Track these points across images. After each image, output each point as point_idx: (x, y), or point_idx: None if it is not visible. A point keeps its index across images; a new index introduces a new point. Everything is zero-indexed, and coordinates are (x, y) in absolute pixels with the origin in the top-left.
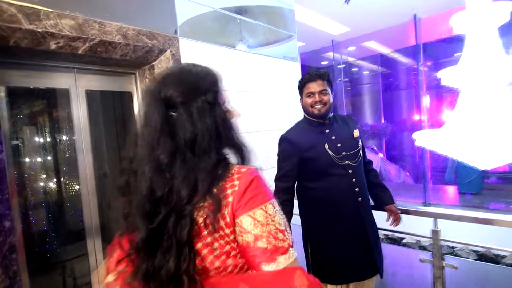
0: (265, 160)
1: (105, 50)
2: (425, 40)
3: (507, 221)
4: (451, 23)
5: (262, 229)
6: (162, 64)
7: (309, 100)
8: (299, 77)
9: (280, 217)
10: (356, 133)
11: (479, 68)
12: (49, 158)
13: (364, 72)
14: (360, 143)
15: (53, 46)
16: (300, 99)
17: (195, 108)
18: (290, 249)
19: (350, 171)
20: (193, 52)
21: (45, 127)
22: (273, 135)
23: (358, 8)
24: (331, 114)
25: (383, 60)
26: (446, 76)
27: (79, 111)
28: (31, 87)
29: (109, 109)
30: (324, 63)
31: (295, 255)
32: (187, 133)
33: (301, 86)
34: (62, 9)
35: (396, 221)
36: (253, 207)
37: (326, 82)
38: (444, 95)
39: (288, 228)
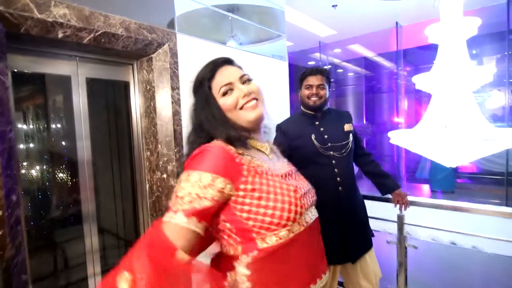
0: None
1: (108, 41)
2: (405, 47)
3: (460, 207)
4: (426, 32)
5: (176, 186)
6: (160, 57)
7: (306, 92)
8: (287, 75)
9: (183, 186)
10: (348, 127)
11: (448, 75)
12: (47, 140)
13: (349, 74)
14: (351, 137)
15: (60, 35)
16: (299, 90)
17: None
18: (170, 212)
19: (333, 161)
20: (188, 47)
21: (46, 111)
22: None
23: (344, 13)
24: (325, 108)
25: (366, 63)
26: (420, 81)
27: (79, 98)
28: (36, 72)
29: (107, 97)
30: (311, 63)
31: (170, 218)
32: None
33: (302, 78)
34: (71, 0)
35: (404, 205)
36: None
37: (325, 78)
38: (422, 99)
39: (185, 198)
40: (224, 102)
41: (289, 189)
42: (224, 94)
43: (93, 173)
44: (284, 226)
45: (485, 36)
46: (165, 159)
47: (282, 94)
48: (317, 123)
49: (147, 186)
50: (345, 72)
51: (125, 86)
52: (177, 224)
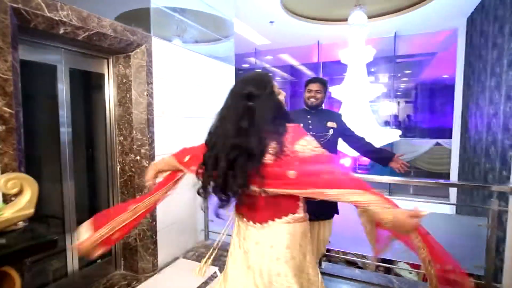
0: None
1: (98, 39)
2: (324, 60)
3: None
4: (339, 55)
5: None
6: (138, 55)
7: (307, 94)
8: (232, 76)
9: None
10: (331, 124)
11: (353, 88)
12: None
13: (277, 78)
14: (331, 131)
15: (61, 31)
16: (304, 91)
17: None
18: None
19: None
20: (161, 49)
21: (39, 97)
22: (207, 122)
23: (279, 28)
24: (320, 107)
25: (292, 70)
26: (334, 91)
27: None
28: (35, 61)
29: (85, 86)
30: (245, 65)
31: None
32: (263, 114)
33: (306, 84)
34: (72, 3)
35: (402, 167)
36: None
37: (322, 85)
38: (334, 104)
39: None
40: None
41: None
42: None
43: (73, 152)
44: None
45: (380, 59)
46: (139, 143)
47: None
48: (308, 116)
49: (118, 167)
50: (274, 76)
51: (101, 77)
52: None
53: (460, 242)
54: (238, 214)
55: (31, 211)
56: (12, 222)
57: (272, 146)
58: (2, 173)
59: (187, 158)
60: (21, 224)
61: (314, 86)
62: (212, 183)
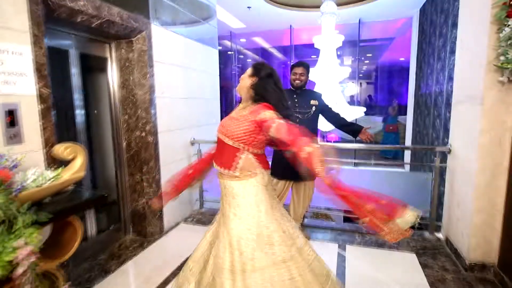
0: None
1: (108, 26)
2: (296, 43)
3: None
4: (313, 40)
5: None
6: (140, 41)
7: (293, 77)
8: (217, 60)
9: None
10: (313, 102)
11: (325, 70)
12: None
13: (248, 60)
14: (314, 108)
15: (79, 19)
16: (290, 74)
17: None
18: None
19: (297, 120)
20: (159, 34)
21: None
22: (197, 102)
23: (255, 13)
24: (304, 88)
25: (263, 52)
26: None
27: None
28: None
29: (92, 70)
30: (219, 48)
31: None
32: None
33: (291, 68)
34: None
35: (369, 138)
36: None
37: (305, 69)
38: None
39: None
40: None
41: None
42: None
43: (86, 132)
44: None
45: (345, 43)
46: (144, 121)
47: (213, 75)
48: (295, 96)
49: (125, 143)
50: (245, 58)
51: (105, 61)
52: None
53: (412, 192)
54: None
55: (82, 173)
56: (70, 182)
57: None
58: (46, 145)
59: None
60: (70, 187)
61: (298, 70)
62: None
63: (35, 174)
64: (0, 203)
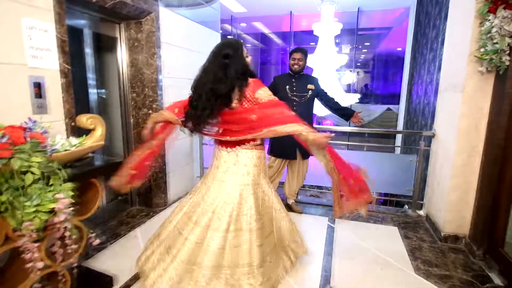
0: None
1: (120, 7)
2: (295, 29)
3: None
4: (312, 27)
5: None
6: (148, 22)
7: (292, 61)
8: (216, 40)
9: None
10: (310, 86)
11: (323, 57)
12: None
13: (248, 45)
14: (310, 92)
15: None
16: (289, 59)
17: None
18: None
19: (294, 103)
20: (166, 16)
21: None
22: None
23: None
24: (302, 73)
25: (263, 37)
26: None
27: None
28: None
29: (103, 48)
30: (220, 31)
31: None
32: (234, 69)
33: (290, 53)
34: None
35: (359, 122)
36: None
37: (303, 54)
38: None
39: None
40: None
41: None
42: None
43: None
44: None
45: (343, 31)
46: (151, 99)
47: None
48: (293, 80)
49: (132, 120)
50: (245, 43)
51: (115, 40)
52: None
53: (398, 173)
54: (215, 142)
55: (102, 142)
56: (91, 149)
57: (237, 93)
58: (66, 117)
59: (176, 110)
60: (90, 155)
61: (297, 55)
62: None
63: (62, 139)
64: (40, 161)
